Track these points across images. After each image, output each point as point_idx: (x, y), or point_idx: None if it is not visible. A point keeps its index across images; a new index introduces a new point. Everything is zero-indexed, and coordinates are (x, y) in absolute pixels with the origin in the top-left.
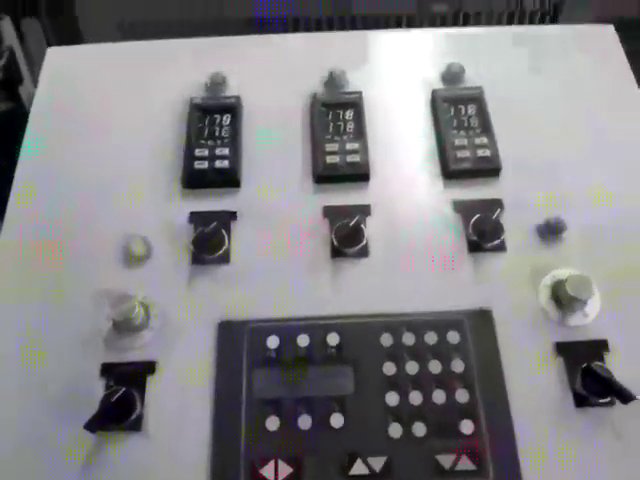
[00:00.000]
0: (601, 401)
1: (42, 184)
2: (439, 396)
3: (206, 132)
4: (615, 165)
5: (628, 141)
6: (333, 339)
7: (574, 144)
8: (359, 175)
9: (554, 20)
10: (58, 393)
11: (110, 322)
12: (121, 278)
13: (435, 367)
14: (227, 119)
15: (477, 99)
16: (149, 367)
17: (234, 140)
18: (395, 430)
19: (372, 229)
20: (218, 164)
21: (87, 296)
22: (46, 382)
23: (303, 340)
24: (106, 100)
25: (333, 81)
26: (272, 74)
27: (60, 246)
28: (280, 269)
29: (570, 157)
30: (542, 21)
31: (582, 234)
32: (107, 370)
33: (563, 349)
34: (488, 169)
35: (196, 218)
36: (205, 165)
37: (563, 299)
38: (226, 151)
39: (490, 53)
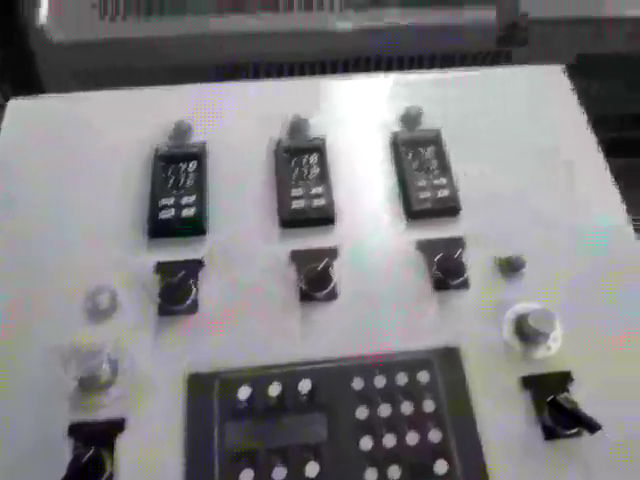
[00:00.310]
0: (569, 432)
1: (3, 236)
2: (412, 437)
3: (171, 180)
4: (572, 200)
5: (582, 178)
6: (305, 386)
7: (530, 181)
8: (325, 219)
9: (508, 60)
10: (23, 456)
11: (76, 379)
12: (87, 333)
13: (407, 408)
14: (192, 167)
15: (435, 141)
16: (118, 425)
17: (199, 188)
18: (371, 475)
19: (340, 271)
20: (184, 213)
21: (52, 353)
22: (10, 445)
23: (275, 389)
24: (70, 151)
25: (296, 127)
26: (236, 121)
27: (23, 301)
28: (249, 316)
29: (527, 194)
30: (496, 62)
31: (541, 268)
32: (74, 430)
33: (529, 383)
34: (448, 208)
35: (163, 268)
36: (171, 214)
37: (526, 333)
38: (192, 199)
39: (446, 96)
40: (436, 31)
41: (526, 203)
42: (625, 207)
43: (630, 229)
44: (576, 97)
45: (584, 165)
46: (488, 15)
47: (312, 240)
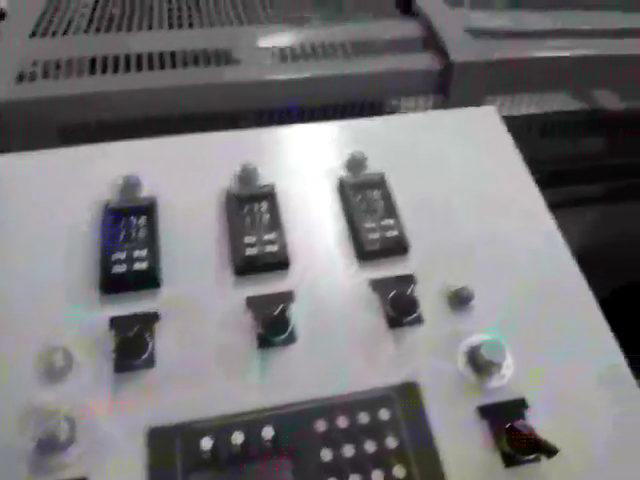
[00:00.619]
0: (528, 458)
1: None
2: (377, 475)
3: (122, 235)
4: (513, 235)
5: (520, 212)
6: (268, 432)
7: (473, 217)
8: (279, 263)
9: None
10: None
11: (35, 441)
12: (43, 393)
13: (370, 446)
14: (143, 220)
15: (380, 184)
16: None
17: (151, 241)
18: None
19: (297, 315)
20: (136, 266)
21: (7, 415)
22: None
23: (238, 437)
24: (20, 209)
25: (246, 176)
26: (185, 173)
27: None
28: (208, 367)
29: (471, 229)
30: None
31: (490, 298)
32: None
33: (486, 412)
34: (397, 247)
35: (117, 323)
36: (123, 268)
37: (480, 364)
38: (144, 252)
39: (387, 140)
40: (370, 79)
41: (471, 238)
42: (562, 237)
43: (567, 256)
44: (509, 136)
45: (521, 201)
46: (418, 63)
47: (267, 285)
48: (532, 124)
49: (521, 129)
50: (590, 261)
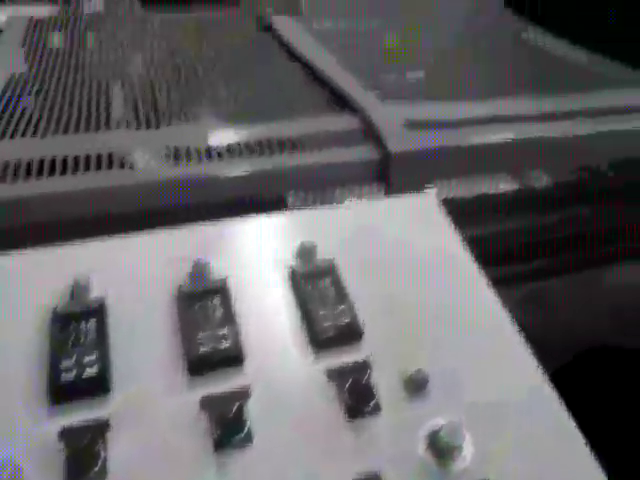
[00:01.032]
0: None
1: None
2: None
3: (71, 341)
4: (458, 317)
5: (465, 294)
6: None
7: (421, 299)
8: (233, 359)
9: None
10: None
11: None
12: None
13: None
14: (92, 324)
15: (330, 272)
16: None
17: (101, 345)
18: None
19: (253, 413)
20: (86, 372)
21: None
22: None
23: None
24: None
25: (197, 272)
26: (137, 271)
27: None
28: (162, 474)
29: (419, 312)
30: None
31: (445, 380)
32: None
33: None
34: (351, 334)
35: (67, 435)
36: (72, 375)
37: (441, 448)
38: (93, 357)
39: (335, 228)
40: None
41: (421, 320)
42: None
43: (511, 329)
44: (448, 218)
45: (465, 280)
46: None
47: (222, 383)
48: (472, 205)
49: (462, 210)
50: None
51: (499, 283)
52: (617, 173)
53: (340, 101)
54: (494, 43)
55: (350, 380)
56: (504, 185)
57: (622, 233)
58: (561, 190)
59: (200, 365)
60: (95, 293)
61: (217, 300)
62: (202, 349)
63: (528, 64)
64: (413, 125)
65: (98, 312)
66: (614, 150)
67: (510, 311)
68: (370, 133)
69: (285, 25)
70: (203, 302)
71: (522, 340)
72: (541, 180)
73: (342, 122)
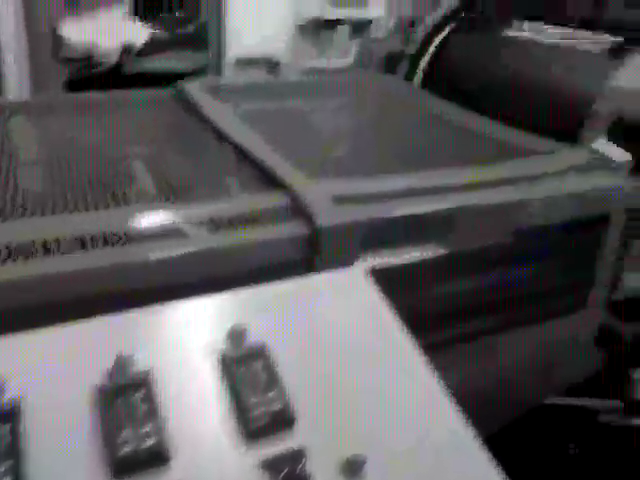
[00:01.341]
0: None
1: None
2: None
3: None
4: (393, 394)
5: (400, 370)
6: None
7: (354, 379)
8: (159, 458)
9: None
10: None
11: None
12: None
13: None
14: (6, 429)
15: (262, 355)
16: None
17: (16, 451)
18: None
19: None
20: None
21: None
22: None
23: None
24: None
25: (120, 365)
26: (55, 367)
27: None
28: None
29: (354, 392)
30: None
31: (382, 462)
32: None
33: None
34: (284, 421)
35: None
36: None
37: None
38: (6, 466)
39: (266, 309)
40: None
41: (358, 403)
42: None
43: (447, 404)
44: (378, 291)
45: (398, 355)
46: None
47: None
48: (402, 273)
49: (393, 279)
50: (472, 399)
51: (431, 347)
52: (537, 237)
53: (269, 179)
54: (407, 118)
55: (285, 470)
56: (432, 252)
57: (542, 294)
58: (487, 254)
59: (123, 467)
60: (10, 394)
61: (141, 394)
62: (124, 449)
63: (442, 136)
64: (341, 200)
65: (12, 415)
66: (532, 216)
67: (444, 374)
68: (299, 210)
69: (209, 104)
70: (126, 398)
71: (459, 414)
72: (466, 245)
73: (272, 200)
